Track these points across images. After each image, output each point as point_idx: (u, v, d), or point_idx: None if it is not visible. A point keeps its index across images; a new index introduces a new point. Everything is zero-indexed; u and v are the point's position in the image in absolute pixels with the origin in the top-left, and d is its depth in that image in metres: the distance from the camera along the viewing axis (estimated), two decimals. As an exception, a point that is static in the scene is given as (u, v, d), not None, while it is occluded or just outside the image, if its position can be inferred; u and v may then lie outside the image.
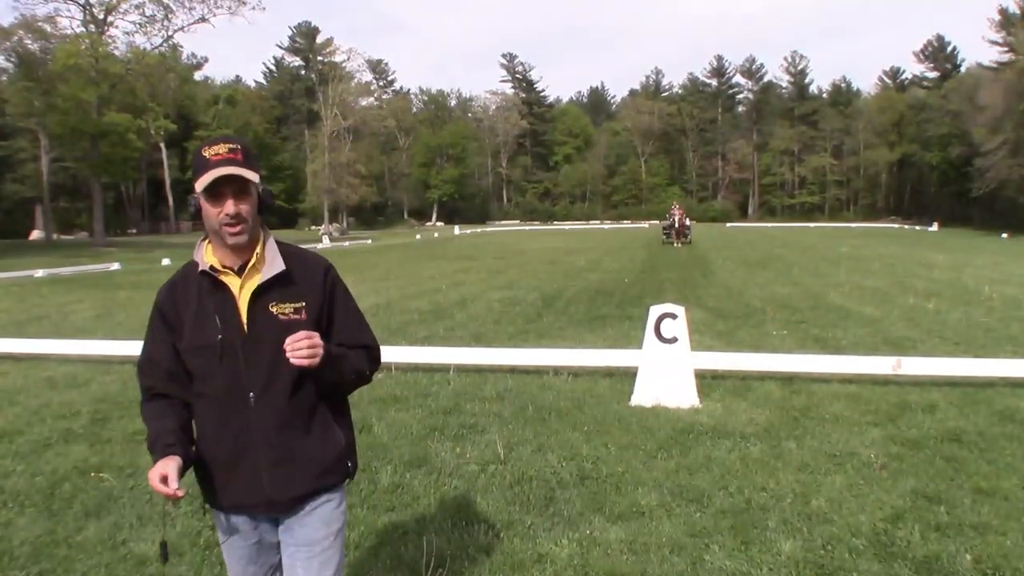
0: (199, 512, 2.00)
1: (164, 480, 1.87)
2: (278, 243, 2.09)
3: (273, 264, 2.03)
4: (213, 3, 44.04)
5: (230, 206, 1.93)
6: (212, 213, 1.94)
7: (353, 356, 2.11)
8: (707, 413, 5.97)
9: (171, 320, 2.05)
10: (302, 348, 1.91)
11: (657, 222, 54.31)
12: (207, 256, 2.03)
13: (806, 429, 5.55)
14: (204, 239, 2.06)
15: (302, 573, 2.09)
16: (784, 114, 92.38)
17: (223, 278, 2.02)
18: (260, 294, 2.01)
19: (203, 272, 2.01)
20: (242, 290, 2.01)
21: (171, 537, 3.74)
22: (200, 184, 1.92)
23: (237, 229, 1.95)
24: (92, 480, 4.64)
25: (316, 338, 1.95)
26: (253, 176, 1.95)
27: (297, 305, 2.02)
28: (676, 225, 33.18)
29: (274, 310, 2.00)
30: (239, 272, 2.02)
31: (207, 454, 2.06)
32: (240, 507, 2.09)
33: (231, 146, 1.95)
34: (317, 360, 1.94)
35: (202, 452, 2.06)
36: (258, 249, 2.03)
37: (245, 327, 2.00)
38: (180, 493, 1.86)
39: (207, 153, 1.93)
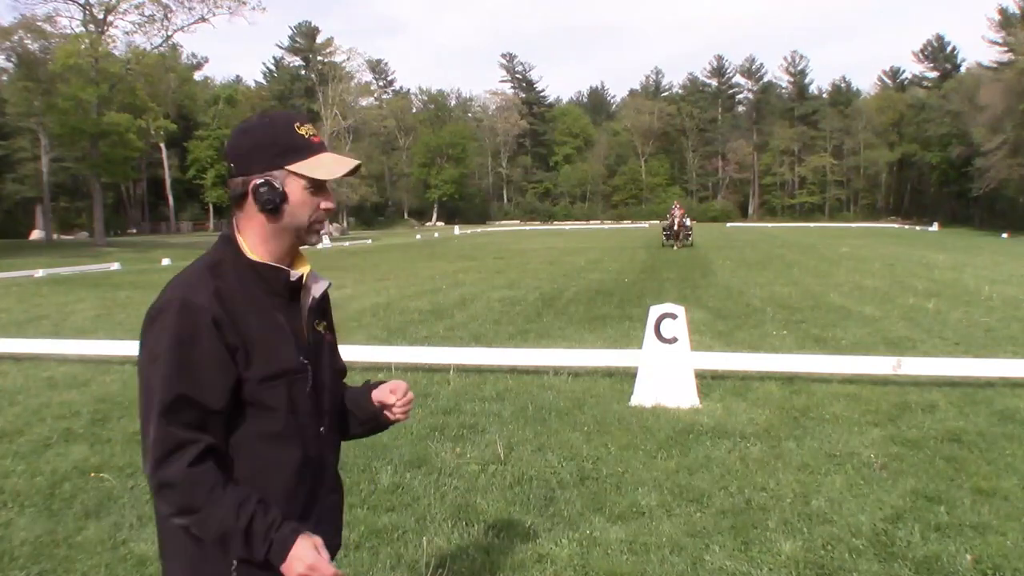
0: None
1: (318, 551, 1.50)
2: None
3: (319, 277, 1.75)
4: (213, 3, 44.06)
5: (332, 199, 1.65)
6: (309, 204, 1.60)
7: None
8: (707, 413, 5.97)
9: (233, 341, 1.52)
10: (409, 406, 1.78)
11: (657, 222, 52.90)
12: (253, 255, 1.62)
13: (806, 429, 5.56)
14: (237, 230, 1.64)
15: None
16: (784, 114, 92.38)
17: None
18: (313, 308, 1.72)
19: (298, 278, 1.65)
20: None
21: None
22: (314, 169, 1.59)
23: (324, 225, 1.69)
24: (92, 480, 4.64)
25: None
26: None
27: (327, 322, 1.78)
28: (676, 226, 30.99)
29: (321, 328, 1.74)
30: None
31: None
32: None
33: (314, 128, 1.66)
34: None
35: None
36: (305, 257, 1.75)
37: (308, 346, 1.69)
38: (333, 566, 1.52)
39: (303, 131, 1.61)
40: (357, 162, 1.65)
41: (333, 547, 1.70)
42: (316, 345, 1.69)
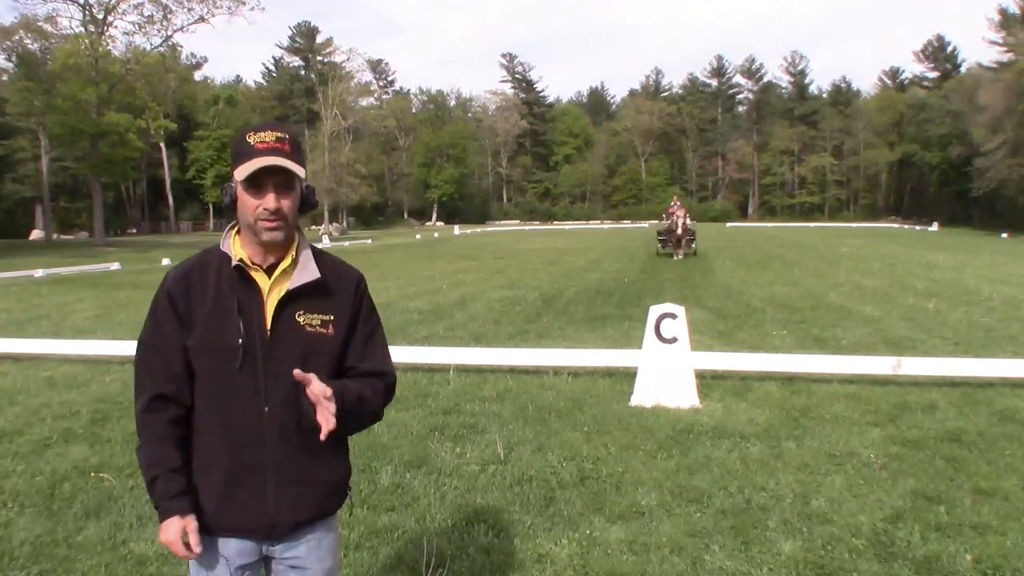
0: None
1: (187, 546, 1.80)
2: (311, 248, 1.95)
3: (307, 269, 1.88)
4: (212, 3, 44.05)
5: (271, 200, 1.79)
6: (250, 205, 1.80)
7: (370, 395, 1.91)
8: (707, 413, 5.97)
9: (181, 311, 1.85)
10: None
11: (657, 222, 45.59)
12: (236, 248, 1.88)
13: (806, 429, 5.56)
14: (232, 228, 1.92)
15: None
16: (784, 114, 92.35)
17: (254, 275, 1.87)
18: (289, 300, 1.86)
19: (237, 266, 1.85)
20: (271, 292, 1.86)
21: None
22: (241, 172, 1.78)
23: (274, 225, 1.80)
24: (92, 480, 4.64)
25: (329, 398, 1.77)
26: (299, 171, 1.81)
27: (325, 318, 1.89)
28: (678, 228, 23.83)
29: (301, 319, 1.86)
30: (268, 271, 1.88)
31: (204, 470, 1.87)
32: (236, 530, 1.89)
33: (279, 134, 1.81)
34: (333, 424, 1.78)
35: (197, 467, 1.88)
36: (292, 251, 1.89)
37: (268, 333, 1.84)
38: (199, 551, 1.83)
39: (252, 139, 1.79)
40: (263, 164, 1.77)
41: (256, 527, 1.89)
42: (281, 331, 1.85)
